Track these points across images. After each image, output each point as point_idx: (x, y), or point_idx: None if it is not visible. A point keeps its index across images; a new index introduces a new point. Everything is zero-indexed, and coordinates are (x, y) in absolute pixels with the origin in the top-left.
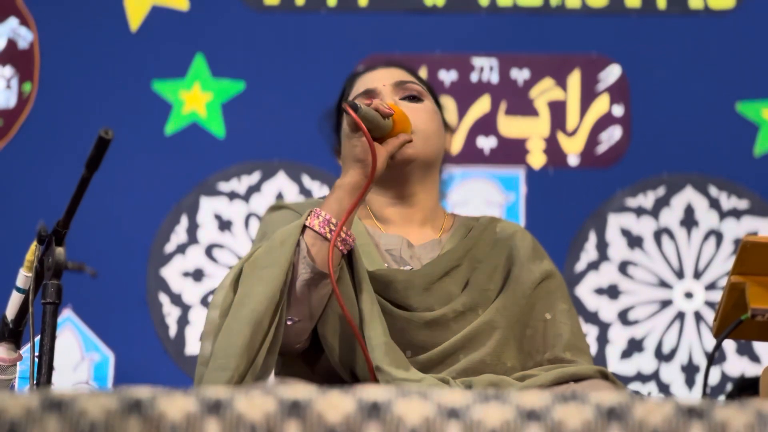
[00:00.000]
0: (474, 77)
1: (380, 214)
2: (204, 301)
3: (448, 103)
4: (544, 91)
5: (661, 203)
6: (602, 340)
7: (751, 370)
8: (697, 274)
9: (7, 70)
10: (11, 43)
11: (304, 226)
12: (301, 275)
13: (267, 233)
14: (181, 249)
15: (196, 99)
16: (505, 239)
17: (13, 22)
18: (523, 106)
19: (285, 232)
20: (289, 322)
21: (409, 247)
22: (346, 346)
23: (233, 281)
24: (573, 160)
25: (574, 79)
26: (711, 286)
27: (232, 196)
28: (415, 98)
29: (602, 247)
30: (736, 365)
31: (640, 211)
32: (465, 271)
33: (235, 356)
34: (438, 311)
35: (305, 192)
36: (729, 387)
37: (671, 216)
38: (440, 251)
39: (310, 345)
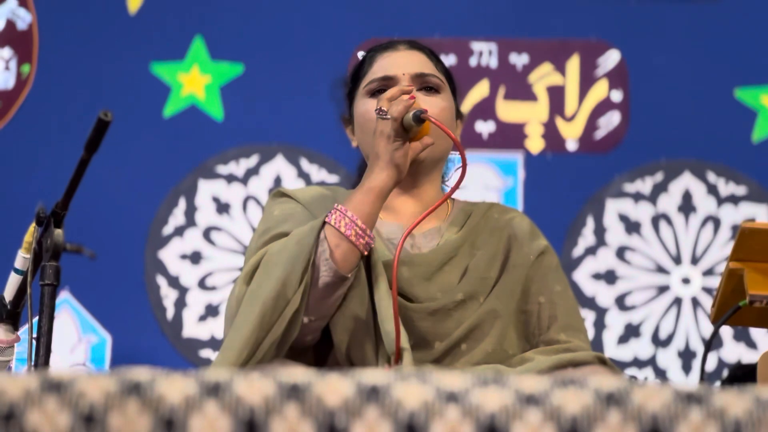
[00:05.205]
0: (473, 61)
1: (384, 204)
2: (201, 284)
3: None
4: (543, 76)
5: (659, 189)
6: (599, 325)
7: (747, 356)
8: (695, 260)
9: (6, 52)
10: (10, 24)
11: (324, 223)
12: (322, 277)
13: (270, 228)
14: (179, 231)
15: (194, 81)
16: (503, 225)
17: (11, 3)
18: (521, 91)
19: (302, 231)
20: (305, 320)
21: (410, 236)
22: (356, 343)
23: (247, 277)
24: (571, 145)
25: (573, 64)
26: (708, 272)
27: (231, 179)
28: (432, 89)
29: (600, 232)
30: (733, 351)
31: (638, 197)
32: (463, 259)
33: (236, 350)
34: (440, 301)
35: (303, 175)
36: (726, 373)
37: (669, 202)
38: (440, 240)
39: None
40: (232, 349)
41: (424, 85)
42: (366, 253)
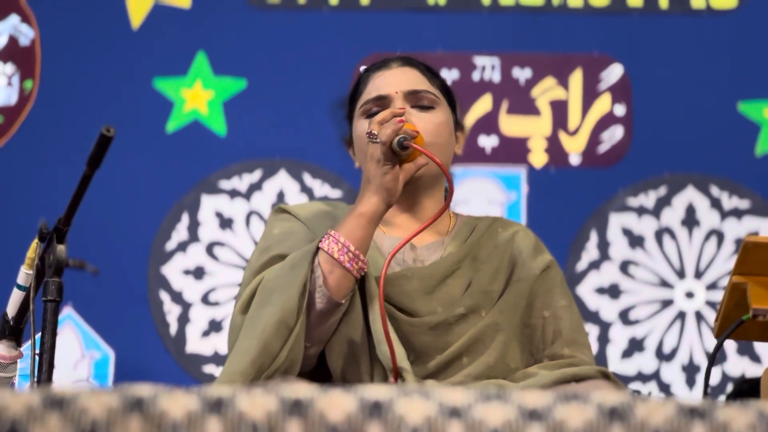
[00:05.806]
0: (476, 76)
1: (385, 219)
2: (205, 299)
3: None
4: (546, 90)
5: (663, 203)
6: (603, 339)
7: (751, 370)
8: (698, 274)
9: (9, 68)
10: (12, 40)
11: (318, 248)
12: (317, 304)
13: (270, 247)
14: (182, 247)
15: (197, 97)
16: (507, 240)
17: (14, 19)
18: (524, 105)
19: (297, 256)
20: None
21: (412, 250)
22: (351, 366)
23: (244, 306)
24: (574, 160)
25: (576, 78)
26: (712, 286)
27: (234, 194)
28: (426, 107)
29: (603, 246)
30: (737, 365)
31: (641, 211)
32: (466, 272)
33: (240, 374)
34: (441, 315)
35: (306, 190)
36: (730, 387)
37: (672, 216)
38: (443, 252)
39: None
40: (234, 373)
41: (418, 102)
42: (359, 277)
